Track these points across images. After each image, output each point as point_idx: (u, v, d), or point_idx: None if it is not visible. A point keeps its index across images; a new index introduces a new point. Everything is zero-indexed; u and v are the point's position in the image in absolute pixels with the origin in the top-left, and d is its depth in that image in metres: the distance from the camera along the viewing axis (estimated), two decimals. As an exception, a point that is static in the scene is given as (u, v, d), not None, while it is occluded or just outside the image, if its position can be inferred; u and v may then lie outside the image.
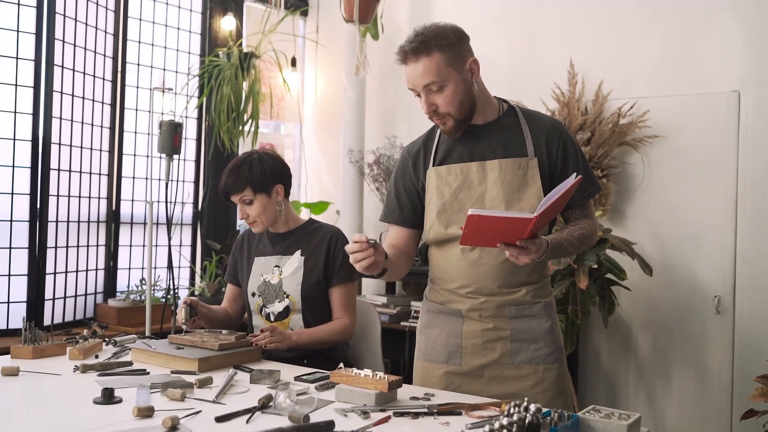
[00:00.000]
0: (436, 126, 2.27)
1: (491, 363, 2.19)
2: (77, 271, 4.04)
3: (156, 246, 4.38)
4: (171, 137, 3.69)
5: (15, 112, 3.70)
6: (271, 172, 2.63)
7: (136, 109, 4.37)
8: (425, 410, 1.80)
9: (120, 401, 1.86)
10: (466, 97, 2.13)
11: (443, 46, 2.08)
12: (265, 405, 1.80)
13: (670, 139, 4.14)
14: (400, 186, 2.31)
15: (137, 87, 4.37)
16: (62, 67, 3.86)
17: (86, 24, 4.02)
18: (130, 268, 4.38)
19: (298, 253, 2.65)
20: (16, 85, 3.70)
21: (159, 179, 4.28)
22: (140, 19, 4.39)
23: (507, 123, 2.22)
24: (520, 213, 1.91)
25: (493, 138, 2.19)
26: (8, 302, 3.72)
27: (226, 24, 4.81)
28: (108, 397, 1.86)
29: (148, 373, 2.20)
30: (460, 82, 2.11)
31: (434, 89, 2.10)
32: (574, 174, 1.95)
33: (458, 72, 2.10)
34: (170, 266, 3.89)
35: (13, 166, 3.71)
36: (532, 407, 1.49)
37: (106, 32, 4.18)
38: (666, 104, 4.15)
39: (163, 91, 4.09)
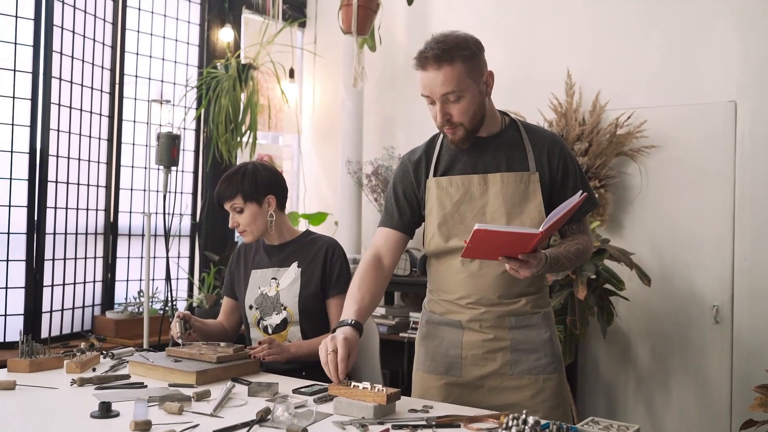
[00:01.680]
0: (437, 136, 2.27)
1: (491, 373, 2.18)
2: (75, 284, 4.03)
3: (154, 258, 4.37)
4: (169, 149, 3.69)
5: (12, 125, 3.70)
6: (263, 183, 2.63)
7: (134, 121, 4.37)
8: (424, 422, 1.79)
9: (117, 415, 1.85)
10: (479, 108, 2.12)
11: (465, 57, 2.06)
12: (263, 418, 1.79)
13: (667, 149, 4.14)
14: (399, 191, 2.29)
15: (135, 99, 4.37)
16: (60, 79, 3.86)
17: (84, 36, 4.02)
18: (128, 280, 4.36)
19: (294, 264, 2.65)
20: (13, 97, 3.70)
21: (157, 191, 4.28)
22: (138, 31, 4.39)
23: (509, 137, 2.22)
24: (525, 228, 1.92)
25: (495, 151, 2.19)
26: (5, 315, 3.71)
27: (224, 36, 4.82)
28: (105, 410, 1.85)
29: (146, 386, 2.18)
30: (477, 93, 2.10)
31: (452, 99, 2.07)
32: (580, 192, 1.95)
33: (476, 84, 2.09)
34: (168, 278, 3.89)
35: (11, 179, 3.71)
36: (531, 419, 1.49)
37: (104, 44, 4.19)
38: (663, 114, 4.15)
39: (161, 103, 4.09)
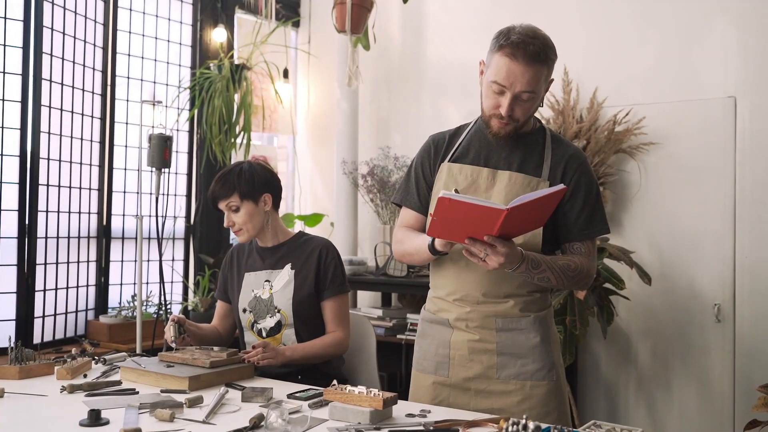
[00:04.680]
0: (467, 125, 2.27)
1: (477, 376, 2.16)
2: (67, 288, 3.98)
3: (148, 261, 4.33)
4: (161, 151, 3.64)
5: (2, 127, 3.65)
6: (260, 181, 2.60)
7: (127, 123, 4.32)
8: (421, 428, 1.74)
9: (107, 423, 1.82)
10: (535, 110, 2.14)
11: (552, 61, 2.07)
12: (256, 425, 1.75)
13: (666, 145, 4.10)
14: (419, 171, 2.29)
15: (127, 100, 4.32)
16: (50, 81, 3.81)
17: (75, 37, 3.97)
18: (121, 284, 4.31)
19: (288, 266, 2.61)
20: (3, 99, 3.65)
21: (150, 193, 4.23)
22: (130, 32, 4.34)
23: (533, 140, 2.20)
24: (493, 203, 1.85)
25: (514, 150, 2.17)
26: (-4, 320, 3.66)
27: (217, 36, 4.77)
28: (94, 418, 1.81)
29: (138, 392, 2.15)
30: (541, 98, 2.11)
31: (524, 98, 2.05)
32: (561, 185, 1.91)
33: (545, 89, 2.11)
34: (161, 281, 3.84)
35: (1, 182, 3.65)
36: (531, 425, 1.44)
37: (95, 45, 4.14)
38: (661, 111, 4.12)
39: (153, 104, 4.04)
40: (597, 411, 4.25)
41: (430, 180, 2.26)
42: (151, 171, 3.78)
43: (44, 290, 3.82)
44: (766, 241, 3.84)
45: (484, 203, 1.79)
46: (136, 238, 3.94)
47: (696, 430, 3.99)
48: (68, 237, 3.98)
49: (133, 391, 2.16)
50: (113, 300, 4.26)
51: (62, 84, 3.90)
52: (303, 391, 2.15)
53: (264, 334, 2.59)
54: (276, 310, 2.57)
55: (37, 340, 3.77)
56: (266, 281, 2.62)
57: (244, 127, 4.62)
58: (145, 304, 4.14)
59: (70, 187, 3.97)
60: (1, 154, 3.65)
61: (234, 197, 2.57)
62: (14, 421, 1.91)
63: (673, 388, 4.08)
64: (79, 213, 4.05)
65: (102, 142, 4.21)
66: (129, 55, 4.34)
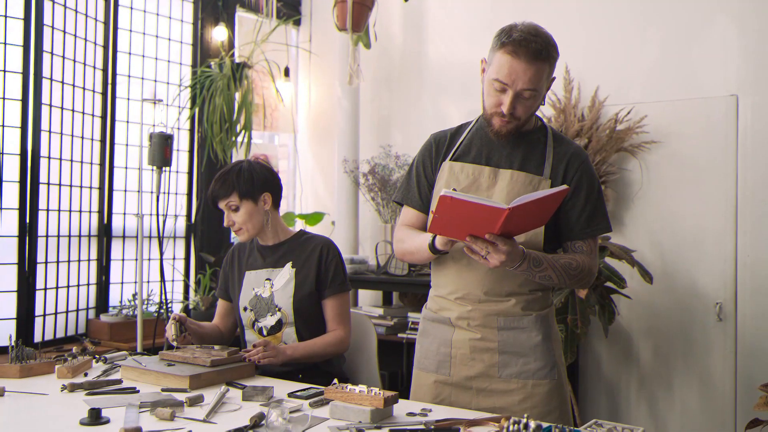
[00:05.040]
0: (467, 124, 2.27)
1: (479, 375, 2.15)
2: (68, 287, 3.98)
3: (149, 260, 4.33)
4: (161, 149, 3.64)
5: (3, 126, 3.65)
6: (259, 180, 2.60)
7: (127, 122, 4.32)
8: (422, 427, 1.74)
9: (107, 422, 1.81)
10: (537, 108, 2.13)
11: (554, 59, 2.07)
12: (256, 424, 1.74)
13: (667, 144, 4.10)
14: (420, 169, 2.28)
15: (128, 99, 4.32)
16: (51, 79, 3.81)
17: (75, 36, 3.97)
18: (122, 283, 4.31)
19: (288, 265, 2.60)
20: (3, 98, 3.65)
21: (151, 192, 4.23)
22: (130, 30, 4.34)
23: (534, 139, 2.19)
24: (495, 202, 1.85)
25: (515, 149, 2.17)
26: (-3, 319, 3.66)
27: (218, 34, 4.76)
28: (95, 417, 1.81)
29: (138, 391, 2.15)
30: (542, 96, 2.11)
31: (526, 96, 2.05)
32: (564, 186, 1.91)
33: (547, 87, 2.10)
34: (162, 280, 3.84)
35: (1, 181, 3.65)
36: (532, 424, 1.44)
37: (95, 44, 4.13)
38: (663, 109, 4.11)
39: (154, 103, 4.04)
40: (598, 410, 4.25)
41: (431, 179, 2.25)
42: (152, 170, 3.78)
43: (45, 289, 3.82)
44: (768, 239, 3.84)
45: (485, 202, 1.80)
46: (136, 237, 3.94)
47: (697, 429, 3.99)
48: (69, 236, 3.98)
49: (133, 390, 2.15)
50: (114, 299, 4.26)
51: (63, 82, 3.90)
52: (304, 389, 2.15)
53: (264, 333, 2.59)
54: (276, 309, 2.57)
55: (37, 338, 3.77)
56: (267, 280, 2.61)
57: (245, 126, 4.61)
58: (145, 302, 4.14)
59: (70, 186, 3.97)
60: (2, 153, 3.65)
61: (233, 197, 2.57)
62: (15, 420, 1.91)
63: (674, 386, 4.07)
64: (80, 212, 4.05)
65: (102, 141, 4.20)
66: (130, 53, 4.34)
